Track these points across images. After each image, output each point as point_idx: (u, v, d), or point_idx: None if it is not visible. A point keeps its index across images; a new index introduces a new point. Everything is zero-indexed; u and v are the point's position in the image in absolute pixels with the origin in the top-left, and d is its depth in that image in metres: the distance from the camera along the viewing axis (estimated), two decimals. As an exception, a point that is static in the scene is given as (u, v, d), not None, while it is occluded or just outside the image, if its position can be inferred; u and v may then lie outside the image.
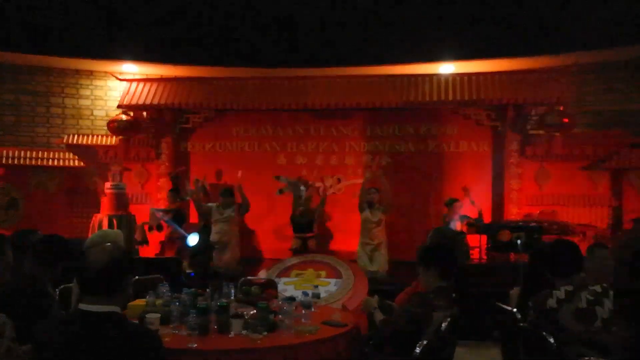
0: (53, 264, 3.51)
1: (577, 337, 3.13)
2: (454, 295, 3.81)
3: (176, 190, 9.03)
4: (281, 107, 9.41)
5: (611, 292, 3.18)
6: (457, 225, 7.97)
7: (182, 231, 8.31)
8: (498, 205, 9.20)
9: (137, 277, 5.00)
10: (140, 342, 2.28)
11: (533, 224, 7.70)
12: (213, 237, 7.93)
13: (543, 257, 3.63)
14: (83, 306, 2.30)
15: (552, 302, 3.20)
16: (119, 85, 10.31)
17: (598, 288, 3.22)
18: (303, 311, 3.94)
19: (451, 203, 8.10)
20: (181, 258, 8.06)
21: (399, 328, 3.63)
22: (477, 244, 8.20)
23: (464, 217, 8.15)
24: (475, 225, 8.04)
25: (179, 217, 8.71)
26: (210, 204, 8.22)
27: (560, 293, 3.22)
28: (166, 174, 9.63)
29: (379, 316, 3.87)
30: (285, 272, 6.34)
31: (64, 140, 9.76)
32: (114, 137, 9.82)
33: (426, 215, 9.33)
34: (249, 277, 5.92)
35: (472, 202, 8.17)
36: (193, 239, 7.22)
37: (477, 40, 9.44)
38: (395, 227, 9.20)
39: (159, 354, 2.33)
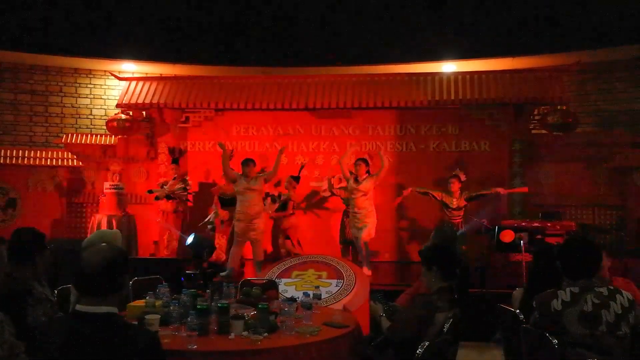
0: (30, 259, 3.44)
1: (581, 341, 3.07)
2: (456, 296, 3.77)
3: (176, 162, 9.20)
4: (282, 106, 9.37)
5: (618, 295, 3.12)
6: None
7: (180, 233, 8.28)
8: (500, 205, 9.13)
9: (136, 277, 4.96)
10: (139, 342, 2.25)
11: (536, 225, 7.65)
12: (238, 208, 7.83)
13: (557, 253, 3.49)
14: (80, 307, 2.28)
15: (556, 304, 3.14)
16: (118, 84, 10.28)
17: (605, 291, 3.13)
18: (304, 312, 3.90)
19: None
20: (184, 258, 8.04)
21: (404, 333, 3.58)
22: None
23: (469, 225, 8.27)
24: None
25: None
26: (235, 173, 7.97)
27: (565, 295, 3.14)
28: (164, 173, 9.58)
29: (385, 323, 3.83)
30: (285, 273, 6.27)
31: (63, 140, 9.72)
32: (113, 137, 9.77)
33: (427, 215, 9.26)
34: (249, 278, 5.87)
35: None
36: (190, 238, 7.20)
37: (479, 39, 9.42)
38: (396, 226, 9.18)
39: (157, 354, 2.30)
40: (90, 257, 2.31)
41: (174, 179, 9.01)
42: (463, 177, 8.35)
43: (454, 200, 8.17)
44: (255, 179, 7.80)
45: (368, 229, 7.92)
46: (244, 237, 7.77)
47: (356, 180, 7.96)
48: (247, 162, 7.88)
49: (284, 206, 8.84)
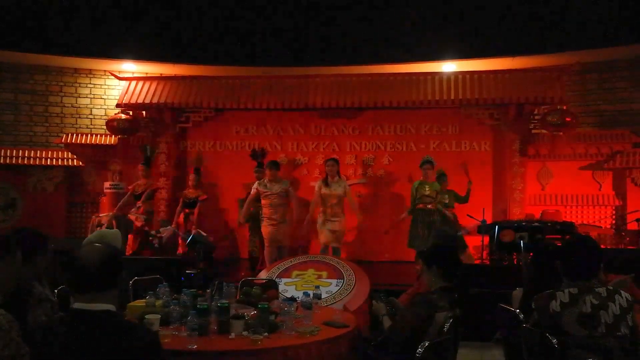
0: (32, 260, 3.44)
1: (580, 342, 3.06)
2: (456, 295, 3.77)
3: (148, 163, 9.06)
4: (282, 106, 9.36)
5: (617, 296, 3.09)
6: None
7: (179, 233, 8.28)
8: (500, 205, 9.14)
9: (136, 277, 4.95)
10: (138, 340, 2.24)
11: (536, 224, 7.65)
12: (263, 213, 7.79)
13: (558, 254, 3.48)
14: (77, 305, 2.27)
15: (555, 305, 3.12)
16: (117, 84, 10.28)
17: (604, 291, 3.11)
18: (304, 312, 3.90)
19: None
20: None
21: (404, 332, 3.58)
22: (479, 244, 8.17)
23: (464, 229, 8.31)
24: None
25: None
26: (255, 188, 7.89)
27: (564, 296, 3.13)
28: (164, 173, 9.56)
29: (387, 323, 3.83)
30: (286, 273, 6.27)
31: (63, 140, 9.72)
32: (113, 137, 9.77)
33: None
34: (249, 278, 5.87)
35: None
36: (189, 238, 7.20)
37: (479, 39, 9.41)
38: (395, 226, 9.17)
39: (157, 352, 2.30)
40: (86, 253, 2.34)
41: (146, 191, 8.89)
42: (435, 163, 8.21)
43: (427, 187, 8.01)
44: (280, 185, 7.73)
45: (338, 237, 7.78)
46: (274, 242, 7.72)
47: (326, 184, 7.69)
48: (272, 165, 7.78)
49: None
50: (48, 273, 3.69)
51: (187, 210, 8.85)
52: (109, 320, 2.25)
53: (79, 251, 2.37)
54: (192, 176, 8.99)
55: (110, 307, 2.28)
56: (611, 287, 3.17)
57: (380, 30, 9.90)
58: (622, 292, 3.14)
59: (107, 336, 2.21)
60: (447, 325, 3.51)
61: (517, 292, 4.51)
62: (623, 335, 3.03)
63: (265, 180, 7.82)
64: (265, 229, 7.78)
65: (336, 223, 7.72)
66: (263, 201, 7.81)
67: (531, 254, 5.93)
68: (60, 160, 9.76)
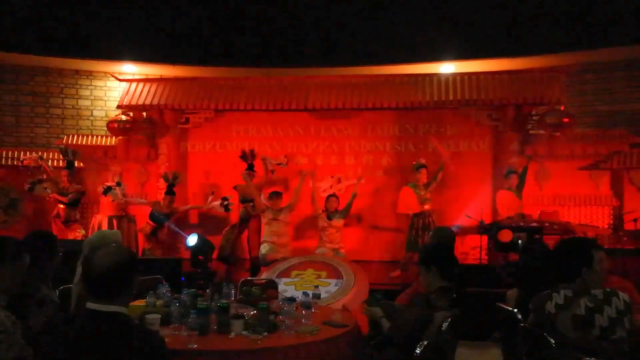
0: (43, 262, 3.47)
1: (575, 344, 3.08)
2: (454, 295, 3.78)
3: (71, 167, 8.99)
4: (281, 107, 9.39)
5: (614, 298, 3.10)
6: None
7: (181, 232, 8.31)
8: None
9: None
10: (145, 342, 2.30)
11: (534, 224, 7.69)
12: (266, 238, 7.88)
13: (547, 261, 3.53)
14: (90, 305, 2.33)
15: (550, 307, 3.15)
16: (118, 86, 10.31)
17: (600, 294, 3.13)
18: (303, 312, 3.93)
19: None
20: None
21: (405, 333, 3.60)
22: (478, 244, 8.20)
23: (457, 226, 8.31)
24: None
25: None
26: (265, 204, 8.11)
27: (559, 298, 3.15)
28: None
29: (386, 324, 3.84)
30: (285, 273, 6.31)
31: (64, 141, 9.74)
32: (114, 138, 9.81)
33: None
34: (249, 278, 5.91)
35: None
36: (192, 240, 7.20)
37: (477, 39, 9.44)
38: (395, 226, 9.20)
39: (163, 355, 2.35)
40: (99, 259, 2.35)
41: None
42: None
43: (422, 191, 8.27)
44: (281, 211, 7.88)
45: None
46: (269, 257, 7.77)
47: (329, 217, 8.06)
48: (272, 195, 7.98)
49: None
50: (57, 274, 3.74)
51: (154, 225, 8.68)
52: (117, 322, 2.30)
53: (93, 255, 2.39)
54: (168, 197, 8.70)
55: (121, 309, 2.33)
56: (609, 289, 3.18)
57: (380, 30, 9.93)
58: (620, 294, 3.15)
59: (114, 337, 2.26)
60: (445, 325, 3.53)
61: (512, 292, 4.52)
62: (619, 338, 3.05)
63: (270, 209, 7.95)
64: (265, 247, 7.81)
65: (341, 252, 8.00)
66: (266, 227, 7.92)
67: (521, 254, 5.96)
68: (61, 161, 9.77)
